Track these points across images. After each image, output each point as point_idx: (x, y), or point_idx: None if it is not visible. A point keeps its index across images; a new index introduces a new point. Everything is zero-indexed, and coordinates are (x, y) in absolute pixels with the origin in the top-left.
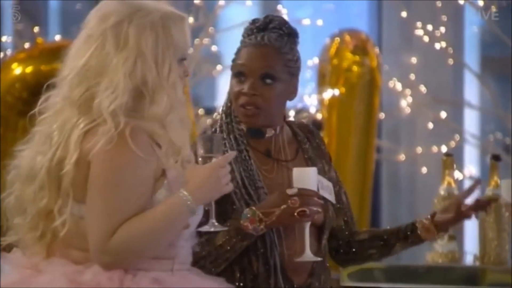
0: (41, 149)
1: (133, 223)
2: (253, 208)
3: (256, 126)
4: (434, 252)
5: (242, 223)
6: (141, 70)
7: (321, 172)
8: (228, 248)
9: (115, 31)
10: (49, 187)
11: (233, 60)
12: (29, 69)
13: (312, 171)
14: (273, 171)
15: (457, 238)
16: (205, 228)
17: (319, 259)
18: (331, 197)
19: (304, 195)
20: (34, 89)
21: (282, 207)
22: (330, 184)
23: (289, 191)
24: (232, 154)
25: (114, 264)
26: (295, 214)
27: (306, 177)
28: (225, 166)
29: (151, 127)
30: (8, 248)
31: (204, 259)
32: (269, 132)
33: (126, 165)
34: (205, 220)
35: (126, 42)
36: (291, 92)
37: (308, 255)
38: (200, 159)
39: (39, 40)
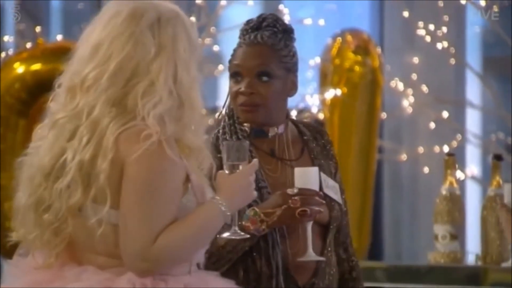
0: (69, 145)
1: (173, 230)
2: (255, 208)
3: (257, 124)
4: (436, 252)
5: (244, 224)
6: (179, 73)
7: (327, 172)
8: (230, 249)
9: (150, 32)
10: (81, 183)
11: (229, 61)
12: (29, 69)
13: (313, 170)
14: (277, 171)
15: (459, 238)
16: (227, 235)
17: (322, 258)
18: (336, 196)
19: (305, 194)
20: (34, 89)
21: (283, 207)
22: (336, 184)
23: (290, 191)
24: (256, 161)
25: (151, 271)
26: (296, 214)
27: (308, 176)
28: (253, 173)
29: (183, 131)
30: (10, 253)
31: (207, 260)
32: (272, 131)
33: (163, 170)
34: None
35: (163, 44)
36: (290, 88)
37: (311, 255)
38: (226, 166)
39: (40, 40)
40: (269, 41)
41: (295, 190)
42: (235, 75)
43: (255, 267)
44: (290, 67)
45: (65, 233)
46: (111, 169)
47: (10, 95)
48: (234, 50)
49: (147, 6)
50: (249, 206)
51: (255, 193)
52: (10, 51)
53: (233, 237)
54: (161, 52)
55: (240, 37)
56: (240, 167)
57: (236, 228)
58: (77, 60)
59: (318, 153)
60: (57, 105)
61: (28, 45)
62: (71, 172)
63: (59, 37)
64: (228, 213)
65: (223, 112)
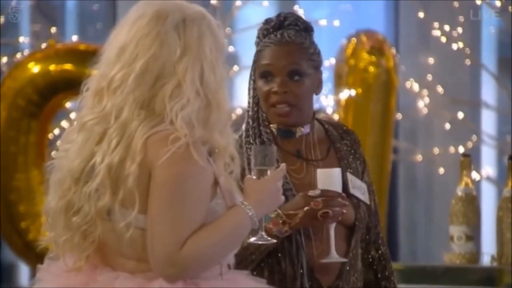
0: (98, 148)
1: (201, 235)
2: (277, 210)
3: (288, 125)
4: (452, 252)
5: (266, 225)
6: (206, 74)
7: (355, 172)
8: (253, 250)
9: (175, 32)
10: (110, 187)
11: (255, 62)
12: (41, 71)
13: (336, 172)
14: (302, 172)
15: (475, 238)
16: (253, 239)
17: (344, 260)
18: (364, 197)
19: (327, 196)
20: (45, 91)
21: (305, 209)
22: (363, 185)
23: (312, 193)
24: (284, 166)
25: (180, 276)
26: (318, 216)
27: (330, 178)
28: (281, 179)
29: (210, 133)
30: (24, 253)
31: None
32: (299, 131)
33: (191, 174)
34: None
35: (189, 44)
36: (317, 87)
37: (333, 256)
38: (253, 171)
39: (51, 41)
40: (297, 40)
41: (317, 192)
42: (265, 75)
43: (279, 268)
44: (317, 65)
45: (93, 236)
46: (139, 172)
47: (21, 97)
48: (260, 51)
49: (172, 7)
50: None
51: (282, 198)
52: (26, 52)
53: (260, 242)
54: (186, 52)
55: (259, 37)
56: (268, 172)
57: (263, 233)
58: (104, 64)
59: (345, 153)
60: (84, 108)
61: (43, 45)
62: (99, 175)
63: (74, 38)
64: (256, 219)
65: (249, 113)
